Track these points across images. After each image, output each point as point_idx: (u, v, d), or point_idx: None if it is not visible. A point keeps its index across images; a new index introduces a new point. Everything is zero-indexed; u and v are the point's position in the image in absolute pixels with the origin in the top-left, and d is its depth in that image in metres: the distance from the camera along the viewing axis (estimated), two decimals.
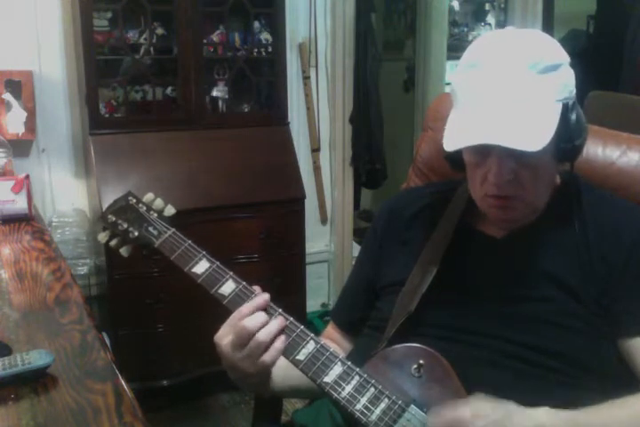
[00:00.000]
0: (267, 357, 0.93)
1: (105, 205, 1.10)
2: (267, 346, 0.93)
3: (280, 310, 0.97)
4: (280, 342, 0.94)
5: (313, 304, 2.96)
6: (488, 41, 0.94)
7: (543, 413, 0.85)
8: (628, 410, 0.88)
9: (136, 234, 1.05)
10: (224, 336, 0.96)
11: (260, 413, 1.32)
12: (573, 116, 0.94)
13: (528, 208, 1.01)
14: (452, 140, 0.92)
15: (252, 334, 0.93)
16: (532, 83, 0.90)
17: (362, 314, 1.15)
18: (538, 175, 0.97)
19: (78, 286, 1.36)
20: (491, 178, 0.95)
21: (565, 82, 0.93)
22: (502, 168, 0.93)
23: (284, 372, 1.02)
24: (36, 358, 0.96)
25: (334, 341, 1.18)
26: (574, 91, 0.96)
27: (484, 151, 0.94)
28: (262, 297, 0.96)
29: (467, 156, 0.99)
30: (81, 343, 1.09)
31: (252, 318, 0.94)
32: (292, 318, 0.96)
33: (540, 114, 0.90)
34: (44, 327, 1.16)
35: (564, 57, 0.94)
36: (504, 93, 0.90)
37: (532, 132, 0.88)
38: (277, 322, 0.94)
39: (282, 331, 0.95)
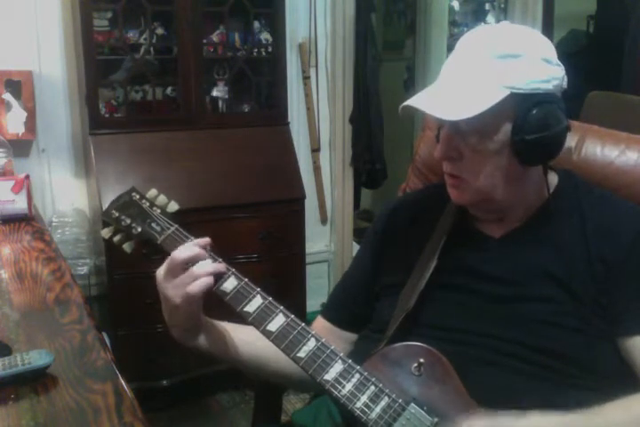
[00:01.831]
0: (193, 287, 0.95)
1: (105, 205, 1.10)
2: (196, 279, 0.95)
3: (282, 308, 0.97)
4: (209, 279, 0.96)
5: (313, 304, 2.95)
6: (473, 31, 0.98)
7: (535, 418, 0.85)
8: (627, 413, 0.88)
9: (139, 230, 1.05)
10: (162, 266, 0.99)
11: (259, 413, 1.33)
12: (534, 111, 0.92)
13: (479, 195, 1.00)
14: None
15: (183, 264, 0.96)
16: (483, 64, 0.93)
17: (358, 310, 1.16)
18: (484, 161, 0.97)
19: (78, 286, 1.36)
20: (435, 151, 1.00)
21: (524, 73, 0.92)
22: (444, 142, 0.98)
23: (246, 338, 1.06)
24: (35, 358, 0.96)
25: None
26: (542, 87, 0.93)
27: (440, 127, 1.00)
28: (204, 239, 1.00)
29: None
30: (81, 343, 1.08)
31: (186, 249, 0.97)
32: (292, 316, 0.97)
33: (476, 92, 0.92)
34: (44, 327, 1.15)
35: (534, 51, 0.93)
36: (453, 71, 0.97)
37: (457, 106, 0.92)
38: (216, 264, 0.97)
39: (219, 275, 0.97)
